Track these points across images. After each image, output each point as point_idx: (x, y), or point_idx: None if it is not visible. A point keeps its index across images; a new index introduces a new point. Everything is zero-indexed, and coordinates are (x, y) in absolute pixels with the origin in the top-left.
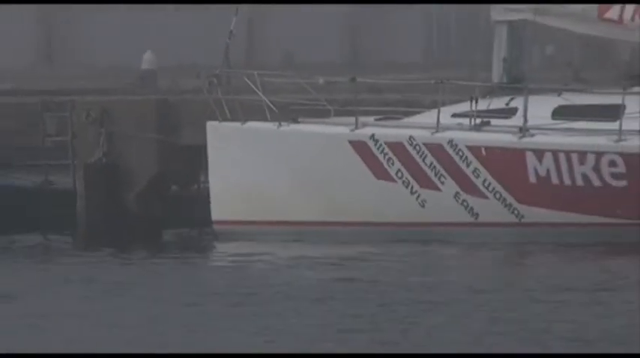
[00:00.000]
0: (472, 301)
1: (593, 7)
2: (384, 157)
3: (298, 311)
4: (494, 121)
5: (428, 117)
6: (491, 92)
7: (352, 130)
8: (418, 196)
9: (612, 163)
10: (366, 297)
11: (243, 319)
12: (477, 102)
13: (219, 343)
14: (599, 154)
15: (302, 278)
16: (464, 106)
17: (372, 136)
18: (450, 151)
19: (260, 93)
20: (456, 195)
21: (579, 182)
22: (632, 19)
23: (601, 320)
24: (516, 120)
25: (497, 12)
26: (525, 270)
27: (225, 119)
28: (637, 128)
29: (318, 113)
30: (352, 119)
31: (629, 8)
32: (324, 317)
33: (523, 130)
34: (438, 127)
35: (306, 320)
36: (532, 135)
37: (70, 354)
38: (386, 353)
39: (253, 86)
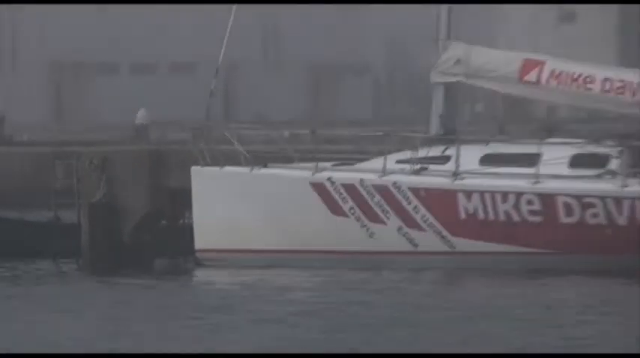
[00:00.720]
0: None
1: (515, 71)
2: (339, 196)
3: (257, 326)
4: (431, 167)
5: (376, 163)
6: (429, 142)
7: (312, 174)
8: (367, 229)
9: (529, 202)
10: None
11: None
12: (417, 150)
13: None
14: (518, 194)
15: (266, 300)
16: (406, 154)
17: (329, 179)
18: (394, 191)
19: (236, 143)
20: (399, 228)
21: (502, 218)
22: (548, 81)
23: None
24: (450, 166)
25: (435, 75)
26: (458, 292)
27: (206, 164)
28: (551, 173)
29: (284, 159)
30: (313, 164)
31: (546, 72)
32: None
33: (455, 175)
34: (384, 172)
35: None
36: (463, 179)
37: (71, 354)
38: (386, 353)
39: (230, 137)
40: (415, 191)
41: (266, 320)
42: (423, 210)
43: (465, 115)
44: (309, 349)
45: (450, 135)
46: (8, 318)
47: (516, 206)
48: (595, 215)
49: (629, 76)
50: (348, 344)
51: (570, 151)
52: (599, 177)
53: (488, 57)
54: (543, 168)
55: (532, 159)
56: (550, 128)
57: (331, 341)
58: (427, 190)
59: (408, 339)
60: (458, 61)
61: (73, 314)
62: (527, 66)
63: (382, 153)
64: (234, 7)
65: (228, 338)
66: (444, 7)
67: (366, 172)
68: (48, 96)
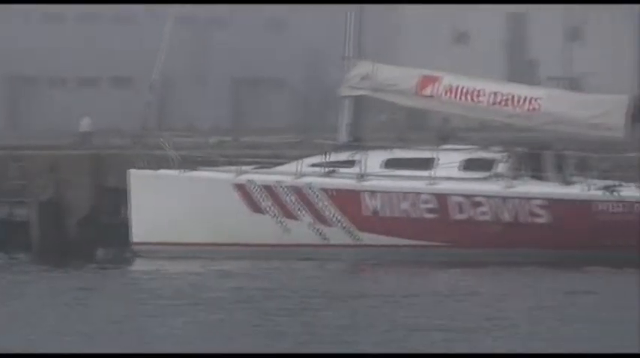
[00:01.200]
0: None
1: (414, 86)
2: (259, 196)
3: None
4: (340, 170)
5: (292, 166)
6: (339, 149)
7: (235, 176)
8: (283, 225)
9: (426, 201)
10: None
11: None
12: (328, 156)
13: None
14: (416, 194)
15: (191, 285)
16: (318, 159)
17: (250, 180)
18: (307, 192)
19: (168, 149)
20: (311, 224)
21: (402, 215)
22: (442, 95)
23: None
24: (356, 169)
25: (344, 89)
26: (364, 281)
27: (142, 167)
28: (445, 175)
29: (210, 163)
30: (235, 168)
31: (441, 87)
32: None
33: (361, 177)
34: (298, 174)
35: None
36: (367, 180)
37: (71, 354)
38: (387, 353)
39: (164, 144)
40: (325, 191)
41: (196, 303)
42: (332, 208)
43: (370, 124)
44: (238, 329)
45: (356, 142)
46: None
47: (414, 204)
48: (483, 212)
49: (515, 90)
50: (275, 324)
51: (462, 156)
52: (487, 179)
53: (391, 73)
54: (438, 171)
55: (428, 163)
56: (444, 136)
57: (258, 320)
58: (336, 190)
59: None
60: (364, 77)
61: (15, 300)
62: (425, 81)
63: (297, 157)
64: (169, 26)
65: (163, 316)
66: (352, 28)
67: (283, 175)
68: (2, 107)
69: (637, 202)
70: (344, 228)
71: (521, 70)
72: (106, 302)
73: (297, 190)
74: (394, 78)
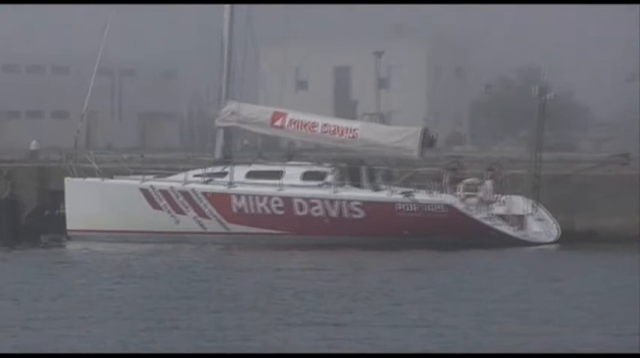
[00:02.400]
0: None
1: (268, 119)
2: (157, 197)
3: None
4: (216, 179)
5: (181, 176)
6: (215, 163)
7: (140, 182)
8: (174, 218)
9: (276, 202)
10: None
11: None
12: (207, 168)
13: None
14: (269, 197)
15: (111, 258)
16: (200, 171)
17: (151, 186)
18: (192, 194)
19: (93, 164)
20: (194, 217)
21: (259, 211)
22: (288, 126)
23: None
24: (227, 179)
25: (218, 122)
26: (235, 260)
27: (74, 176)
28: (290, 183)
29: (123, 173)
30: (141, 176)
31: (287, 120)
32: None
33: (230, 184)
34: (185, 182)
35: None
36: (235, 186)
37: (71, 354)
38: (387, 353)
39: (90, 159)
40: (205, 194)
41: (119, 276)
42: (209, 206)
43: (237, 146)
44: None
45: (227, 159)
46: None
47: (268, 204)
48: (317, 210)
49: (340, 122)
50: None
51: (302, 169)
52: (320, 186)
53: (252, 110)
54: (285, 180)
55: (278, 175)
56: (290, 155)
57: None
58: (212, 193)
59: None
60: (232, 113)
61: None
62: (276, 116)
63: (185, 169)
64: (93, 77)
65: (90, 277)
66: (223, 77)
67: (175, 182)
68: None
69: (426, 204)
70: (218, 220)
71: (345, 108)
72: (49, 269)
73: (185, 193)
74: (254, 113)
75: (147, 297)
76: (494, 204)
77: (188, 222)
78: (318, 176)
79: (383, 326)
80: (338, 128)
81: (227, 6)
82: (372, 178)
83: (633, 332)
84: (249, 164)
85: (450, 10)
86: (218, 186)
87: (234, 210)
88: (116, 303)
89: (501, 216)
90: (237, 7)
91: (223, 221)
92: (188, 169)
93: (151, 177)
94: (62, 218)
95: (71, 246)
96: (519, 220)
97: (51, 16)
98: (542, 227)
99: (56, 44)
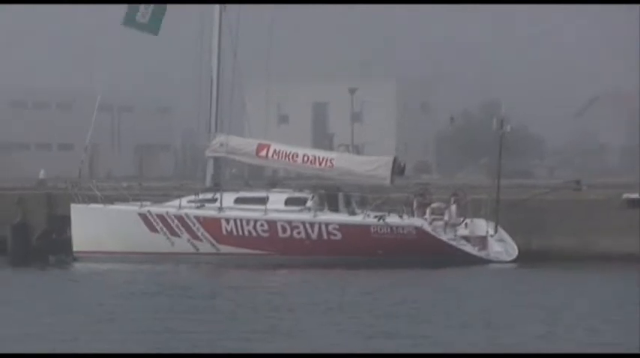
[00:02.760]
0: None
1: (253, 150)
2: (154, 221)
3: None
4: (207, 204)
5: (176, 202)
6: (206, 190)
7: (139, 208)
8: (170, 240)
9: (262, 225)
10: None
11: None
12: (199, 195)
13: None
14: (255, 220)
15: (113, 275)
16: (192, 197)
17: (149, 211)
18: (186, 218)
19: (96, 191)
20: (188, 239)
21: (247, 233)
22: (272, 156)
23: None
24: (217, 204)
25: (209, 152)
26: (225, 279)
27: (79, 202)
28: (274, 208)
29: (123, 199)
30: (139, 203)
31: (271, 151)
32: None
33: (220, 209)
34: (180, 207)
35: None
36: (224, 211)
37: (70, 354)
38: (387, 353)
39: (93, 187)
40: (197, 218)
41: (118, 286)
42: (201, 229)
43: (226, 175)
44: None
45: (217, 186)
46: None
47: (254, 227)
48: (299, 232)
49: (318, 153)
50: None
51: (285, 196)
52: (301, 211)
53: (238, 142)
54: (270, 206)
55: (263, 200)
56: (273, 183)
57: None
58: (204, 218)
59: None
60: (221, 144)
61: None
62: (260, 147)
63: (179, 196)
64: (95, 113)
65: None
66: (212, 113)
67: (170, 207)
68: None
69: (397, 226)
70: (209, 242)
71: (323, 140)
72: (59, 286)
73: (179, 217)
74: (240, 145)
75: (146, 310)
76: (458, 227)
77: (182, 243)
78: (300, 201)
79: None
80: (317, 158)
81: (215, 49)
82: (348, 203)
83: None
84: (237, 191)
85: (414, 48)
86: (209, 211)
87: (224, 232)
88: (119, 317)
89: (465, 238)
90: (224, 48)
91: (214, 242)
92: (182, 196)
93: (148, 203)
94: (68, 240)
95: (77, 266)
96: (482, 241)
97: (52, 52)
98: (503, 247)
99: (58, 81)
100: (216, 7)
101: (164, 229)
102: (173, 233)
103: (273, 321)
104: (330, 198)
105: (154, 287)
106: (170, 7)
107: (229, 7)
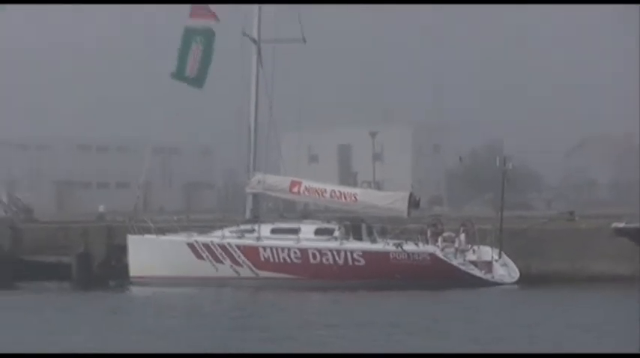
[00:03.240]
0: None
1: (287, 187)
2: (200, 249)
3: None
4: (246, 234)
5: (219, 232)
6: (246, 222)
7: (187, 238)
8: (214, 266)
9: (295, 252)
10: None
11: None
12: (239, 226)
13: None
14: (289, 248)
15: (167, 297)
16: (234, 228)
17: (196, 241)
18: (228, 247)
19: (149, 224)
20: (230, 265)
21: (282, 260)
22: (303, 192)
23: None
24: (256, 234)
25: (248, 188)
26: (265, 300)
27: (134, 233)
28: (306, 237)
29: (173, 230)
30: (187, 233)
31: (302, 188)
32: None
33: (258, 238)
34: (223, 237)
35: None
36: (262, 240)
37: (71, 354)
38: (387, 353)
39: (147, 220)
40: (238, 246)
41: (171, 306)
42: (242, 256)
43: (263, 208)
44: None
45: (255, 219)
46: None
47: (288, 254)
48: (327, 259)
49: (344, 189)
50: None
51: (315, 226)
52: (329, 240)
53: (274, 179)
54: (301, 235)
55: (296, 231)
56: (305, 215)
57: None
58: (244, 246)
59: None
60: (259, 182)
61: (71, 308)
62: (293, 184)
63: (222, 227)
64: (148, 158)
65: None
66: (251, 154)
67: (214, 237)
68: (52, 200)
69: (413, 253)
70: (249, 268)
71: (348, 177)
72: (119, 304)
73: (222, 246)
74: (276, 182)
75: (201, 328)
76: (467, 253)
77: (225, 269)
78: (328, 232)
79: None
80: (342, 193)
81: (253, 100)
82: (370, 233)
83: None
84: (273, 222)
85: (427, 95)
86: (248, 240)
87: (262, 259)
88: (178, 334)
89: (473, 262)
90: (261, 97)
91: (253, 268)
92: (224, 227)
93: (195, 233)
94: (126, 267)
95: (133, 290)
96: (487, 265)
97: (112, 100)
98: (506, 270)
99: (118, 127)
100: (254, 63)
101: (209, 256)
102: (217, 260)
103: (325, 339)
104: (354, 228)
105: (206, 307)
106: (213, 63)
107: (265, 60)
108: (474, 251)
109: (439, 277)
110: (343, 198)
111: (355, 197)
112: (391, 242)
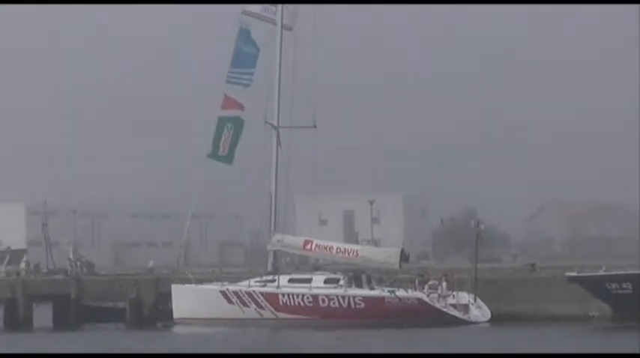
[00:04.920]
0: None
1: (301, 245)
2: (230, 296)
3: None
4: (268, 283)
5: (246, 282)
6: (268, 273)
7: (220, 287)
8: (241, 309)
9: (308, 298)
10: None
11: None
12: (262, 277)
13: None
14: (303, 295)
15: (205, 335)
16: (258, 278)
17: (227, 289)
18: (253, 294)
19: (189, 275)
20: (255, 309)
21: (297, 304)
22: (315, 249)
23: None
24: (276, 283)
25: (269, 246)
26: (282, 333)
27: (178, 283)
28: (317, 286)
29: (208, 280)
30: (219, 283)
31: (314, 245)
32: None
33: (278, 287)
34: (249, 285)
35: None
36: (281, 288)
37: (70, 354)
38: (386, 353)
39: (187, 272)
40: (261, 293)
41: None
42: (264, 301)
43: (282, 262)
44: None
45: (275, 271)
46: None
47: (302, 299)
48: (334, 303)
49: (347, 246)
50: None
51: (324, 276)
52: (335, 287)
53: (290, 239)
54: (313, 284)
55: (309, 280)
56: (316, 267)
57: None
58: (266, 293)
59: None
60: (279, 241)
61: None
62: (306, 243)
63: (249, 277)
64: (188, 222)
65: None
66: (272, 219)
67: (242, 286)
68: (111, 257)
69: (404, 298)
70: (270, 311)
71: (351, 236)
72: (163, 339)
73: (249, 293)
74: (292, 241)
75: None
76: (448, 298)
77: (250, 312)
78: (335, 281)
79: None
80: (346, 250)
81: (273, 173)
82: (369, 282)
83: None
84: (290, 273)
85: (417, 170)
86: (270, 288)
87: (281, 303)
88: None
89: (453, 305)
90: (280, 172)
91: (274, 311)
92: (250, 278)
93: (226, 283)
94: (170, 311)
95: (177, 329)
96: (465, 308)
97: (158, 173)
98: (480, 312)
99: (163, 196)
100: (274, 144)
101: (238, 301)
102: (244, 304)
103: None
104: (356, 278)
105: (238, 341)
106: (241, 143)
107: (282, 138)
108: (453, 296)
109: (426, 317)
110: (347, 253)
111: (357, 253)
112: (386, 289)
